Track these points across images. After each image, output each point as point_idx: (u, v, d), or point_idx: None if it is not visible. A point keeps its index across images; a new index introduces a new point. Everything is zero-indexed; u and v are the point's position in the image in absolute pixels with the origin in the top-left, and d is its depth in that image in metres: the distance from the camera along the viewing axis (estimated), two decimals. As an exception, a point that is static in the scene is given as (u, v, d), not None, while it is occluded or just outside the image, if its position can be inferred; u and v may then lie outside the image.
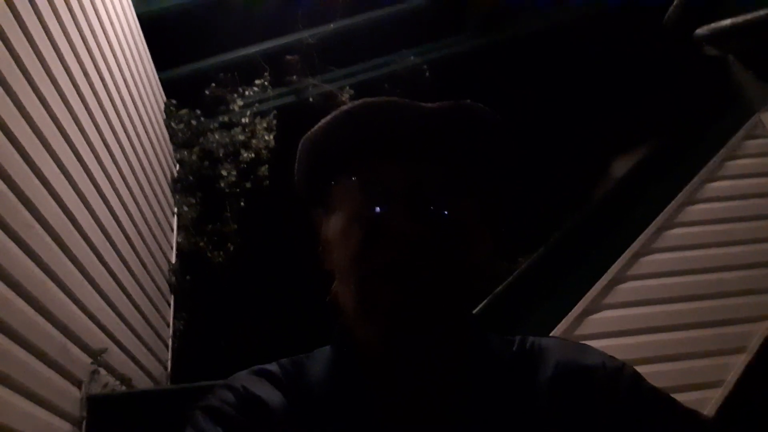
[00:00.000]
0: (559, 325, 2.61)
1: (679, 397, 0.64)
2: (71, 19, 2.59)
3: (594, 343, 0.70)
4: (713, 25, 3.21)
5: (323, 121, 0.66)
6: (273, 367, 0.67)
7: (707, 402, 2.45)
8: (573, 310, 2.65)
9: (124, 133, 3.21)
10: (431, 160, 0.62)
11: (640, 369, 0.65)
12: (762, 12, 3.00)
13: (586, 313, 2.66)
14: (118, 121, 3.12)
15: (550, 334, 2.43)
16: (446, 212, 0.60)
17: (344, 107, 0.65)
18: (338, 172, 0.65)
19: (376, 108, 0.64)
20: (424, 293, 0.57)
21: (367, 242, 0.59)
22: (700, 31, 3.27)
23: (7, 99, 1.92)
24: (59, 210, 2.25)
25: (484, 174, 0.64)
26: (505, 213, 0.69)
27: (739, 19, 3.09)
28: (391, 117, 0.63)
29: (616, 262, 2.79)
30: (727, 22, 3.14)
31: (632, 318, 2.68)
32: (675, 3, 3.36)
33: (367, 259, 0.59)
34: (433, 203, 0.60)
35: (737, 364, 2.59)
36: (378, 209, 0.60)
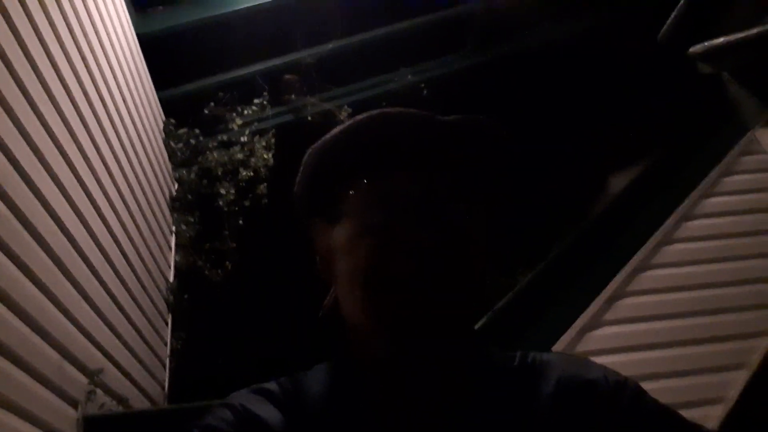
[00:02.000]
0: (559, 342, 2.60)
1: (680, 413, 0.63)
2: (71, 39, 2.61)
3: (594, 360, 0.70)
4: (707, 43, 3.24)
5: (336, 129, 0.66)
6: (272, 385, 0.66)
7: (708, 419, 2.43)
8: (572, 327, 2.64)
9: (123, 153, 3.21)
10: (442, 171, 0.62)
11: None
12: (756, 30, 3.04)
13: (586, 329, 2.65)
14: (117, 140, 3.13)
15: (550, 350, 2.42)
16: (458, 222, 0.60)
17: (358, 117, 0.65)
18: (348, 180, 0.64)
19: (391, 118, 0.64)
20: (435, 304, 0.57)
21: (379, 252, 0.59)
22: (695, 49, 3.30)
23: (7, 118, 1.93)
24: (57, 229, 2.24)
25: (492, 186, 0.65)
26: (506, 225, 0.69)
27: (733, 36, 3.13)
28: (404, 128, 0.63)
29: (615, 278, 2.79)
30: (721, 39, 3.17)
31: (632, 334, 2.67)
32: (669, 20, 3.40)
33: (379, 269, 0.58)
34: (445, 213, 0.60)
35: (738, 380, 2.57)
36: (390, 219, 0.60)
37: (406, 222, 0.59)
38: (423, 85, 5.33)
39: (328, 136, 0.66)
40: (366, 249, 0.60)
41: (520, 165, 0.67)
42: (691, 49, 3.31)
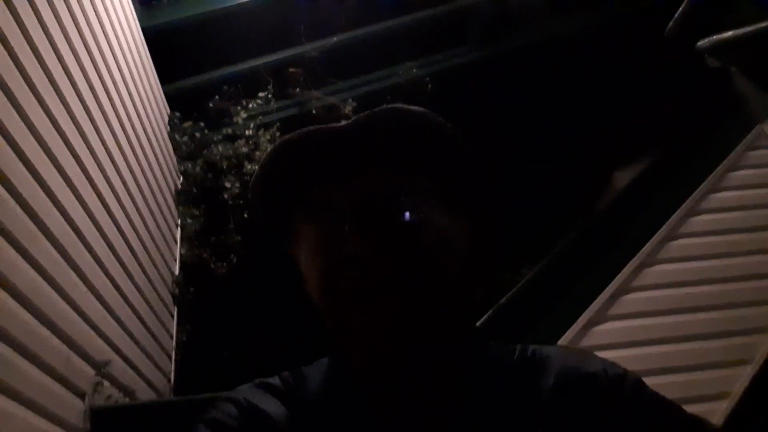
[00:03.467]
0: (564, 337, 2.60)
1: (685, 409, 0.63)
2: (77, 32, 2.62)
3: (598, 355, 0.70)
4: (715, 37, 3.22)
5: (259, 167, 0.66)
6: (275, 380, 0.67)
7: (713, 414, 2.43)
8: (577, 322, 2.64)
9: (128, 146, 3.22)
10: (369, 171, 0.61)
11: (644, 381, 0.65)
12: (763, 24, 3.02)
13: (591, 324, 2.66)
14: (122, 133, 3.14)
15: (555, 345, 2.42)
16: (401, 219, 0.58)
17: (269, 151, 0.65)
18: (290, 207, 0.65)
19: (299, 140, 0.63)
20: (399, 309, 0.56)
21: (329, 272, 0.58)
22: (702, 42, 3.29)
23: (13, 111, 1.93)
24: (64, 222, 2.25)
25: (425, 168, 0.63)
26: (478, 202, 0.67)
27: (741, 31, 3.11)
28: (316, 143, 0.62)
29: (620, 273, 2.78)
30: (729, 33, 3.16)
31: (637, 329, 2.67)
32: (677, 15, 3.38)
33: (332, 290, 0.58)
34: (384, 215, 0.58)
35: (743, 375, 2.57)
36: (334, 236, 0.59)
37: (346, 237, 0.57)
38: (428, 78, 5.31)
39: (256, 173, 0.67)
40: (315, 272, 0.60)
41: (450, 140, 0.64)
42: (699, 44, 3.29)
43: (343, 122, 0.63)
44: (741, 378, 2.57)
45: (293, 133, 0.64)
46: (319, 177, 0.62)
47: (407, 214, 0.59)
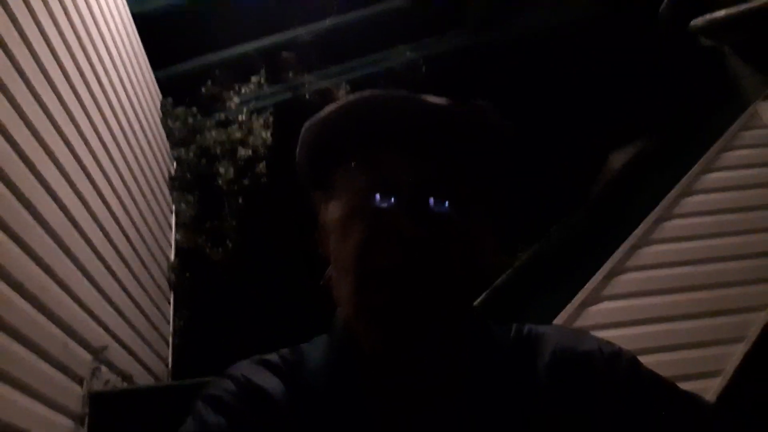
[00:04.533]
0: (559, 317, 2.62)
1: (675, 383, 0.64)
2: (67, 20, 2.59)
3: (594, 334, 0.71)
4: (708, 16, 3.21)
5: (331, 106, 0.64)
6: (273, 356, 0.67)
7: (706, 391, 2.46)
8: (572, 302, 2.66)
9: (121, 133, 3.20)
10: (438, 157, 0.60)
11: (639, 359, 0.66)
12: (757, 2, 3.01)
13: (586, 304, 2.67)
14: (115, 120, 3.12)
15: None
16: (451, 212, 0.58)
17: (352, 96, 0.63)
18: (342, 158, 0.63)
19: (386, 100, 0.62)
20: (424, 296, 0.56)
21: (368, 241, 0.58)
22: (695, 22, 3.27)
23: (6, 101, 1.92)
24: (59, 210, 2.25)
25: (490, 174, 0.63)
26: (508, 211, 0.68)
27: (734, 9, 3.10)
28: (400, 110, 0.61)
29: (615, 254, 2.80)
30: (722, 12, 3.14)
31: (631, 309, 2.69)
32: (670, -6, 3.36)
33: (368, 259, 0.57)
34: (438, 203, 0.58)
35: (736, 353, 2.60)
36: (381, 205, 0.58)
37: (396, 211, 0.57)
38: (421, 62, 5.29)
39: (323, 112, 0.65)
40: (354, 235, 0.59)
41: (519, 153, 0.65)
42: (692, 23, 3.28)
43: (437, 101, 0.62)
44: (733, 356, 2.59)
45: (385, 90, 0.63)
46: (392, 144, 0.61)
47: (461, 210, 0.59)
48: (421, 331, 0.58)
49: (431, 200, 0.58)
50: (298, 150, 0.67)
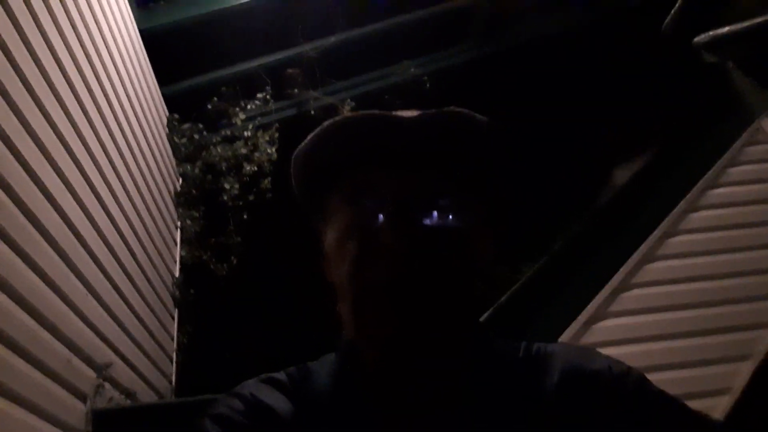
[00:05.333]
0: (564, 334, 2.60)
1: (685, 403, 0.64)
2: (74, 34, 2.62)
3: (600, 351, 0.70)
4: (712, 33, 3.22)
5: (310, 135, 0.65)
6: (280, 375, 0.67)
7: (715, 409, 2.43)
8: (578, 319, 2.64)
9: (127, 148, 3.22)
10: (421, 169, 0.60)
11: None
12: (760, 19, 3.02)
13: (591, 321, 2.66)
14: (121, 135, 3.14)
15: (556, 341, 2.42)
16: (440, 222, 0.59)
17: (325, 123, 0.64)
18: (330, 184, 0.65)
19: (358, 121, 0.63)
20: (421, 310, 0.56)
21: (359, 259, 0.58)
22: (699, 38, 3.28)
23: (12, 115, 1.93)
24: (63, 224, 2.25)
25: (477, 178, 0.63)
26: (503, 215, 0.68)
27: (738, 26, 3.11)
28: (374, 128, 0.62)
29: (621, 270, 2.78)
30: (726, 29, 3.15)
31: (637, 326, 2.67)
32: (673, 10, 3.38)
33: (360, 277, 0.58)
34: (425, 214, 0.59)
35: (744, 371, 2.57)
36: (369, 223, 0.59)
37: (384, 227, 0.58)
38: (426, 77, 5.31)
39: (303, 143, 0.66)
40: (347, 256, 0.59)
41: (504, 152, 0.65)
42: (696, 39, 3.29)
43: (408, 113, 0.63)
44: (742, 373, 2.57)
45: (358, 111, 0.64)
46: (370, 162, 0.61)
47: (449, 217, 0.59)
48: (420, 344, 0.58)
49: (419, 212, 0.58)
50: (292, 180, 0.69)
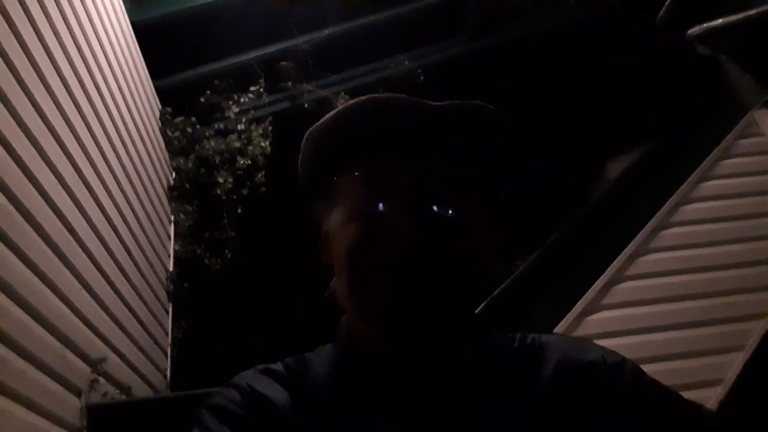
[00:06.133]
0: (558, 326, 2.62)
1: (679, 393, 0.64)
2: (66, 28, 2.59)
3: (593, 343, 0.71)
4: (705, 25, 3.22)
5: (329, 115, 0.65)
6: (278, 366, 0.67)
7: (706, 400, 2.46)
8: (571, 312, 2.66)
9: (119, 142, 3.21)
10: (436, 158, 0.61)
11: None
12: (753, 11, 3.02)
13: (585, 313, 2.67)
14: (113, 129, 3.12)
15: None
16: (448, 213, 0.59)
17: (350, 102, 0.64)
18: (341, 166, 0.64)
19: (382, 104, 0.63)
20: (419, 294, 0.57)
21: (364, 238, 0.59)
22: (692, 31, 3.29)
23: (4, 109, 1.92)
24: (57, 219, 2.24)
25: (489, 174, 0.64)
26: (507, 213, 0.69)
27: (731, 18, 3.11)
28: (396, 114, 0.62)
29: (614, 263, 2.80)
30: (719, 21, 3.16)
31: (630, 318, 2.69)
32: (667, 3, 3.38)
33: (363, 254, 0.59)
34: (435, 203, 0.59)
35: (736, 362, 2.60)
36: (379, 206, 0.60)
37: (393, 211, 0.58)
38: (420, 71, 5.30)
39: (321, 120, 0.66)
40: (352, 234, 0.60)
41: (518, 152, 0.66)
42: (689, 32, 3.29)
43: (435, 103, 0.63)
44: (733, 364, 2.59)
45: (383, 94, 0.63)
46: (388, 146, 0.62)
47: (462, 210, 0.60)
48: (420, 329, 0.58)
49: (430, 201, 0.59)
50: (299, 161, 0.68)
